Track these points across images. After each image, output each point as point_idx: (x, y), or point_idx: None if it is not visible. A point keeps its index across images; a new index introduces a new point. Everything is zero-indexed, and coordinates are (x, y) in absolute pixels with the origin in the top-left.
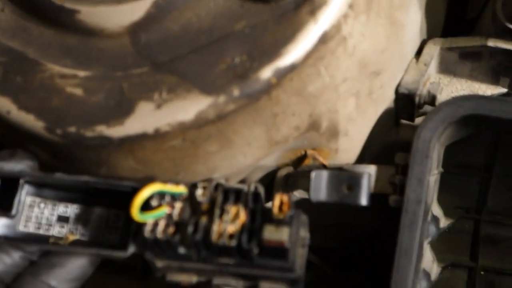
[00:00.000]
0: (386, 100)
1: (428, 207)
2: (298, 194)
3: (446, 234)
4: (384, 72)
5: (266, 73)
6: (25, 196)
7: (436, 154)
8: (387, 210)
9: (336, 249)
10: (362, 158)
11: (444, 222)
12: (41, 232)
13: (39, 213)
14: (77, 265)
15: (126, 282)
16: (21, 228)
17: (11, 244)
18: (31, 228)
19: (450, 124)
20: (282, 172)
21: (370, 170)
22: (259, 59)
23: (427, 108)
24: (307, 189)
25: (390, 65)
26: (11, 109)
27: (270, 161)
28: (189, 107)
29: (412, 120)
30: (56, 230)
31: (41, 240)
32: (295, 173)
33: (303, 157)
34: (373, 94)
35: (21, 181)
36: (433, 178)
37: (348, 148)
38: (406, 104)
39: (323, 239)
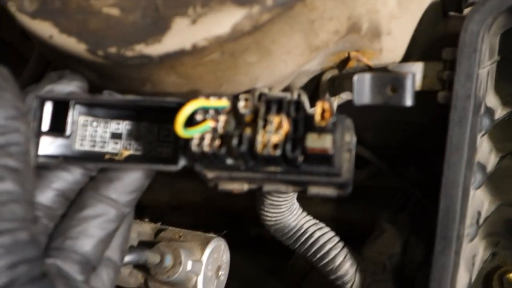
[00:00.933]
0: None
1: (480, 100)
2: (345, 96)
3: (505, 123)
4: None
5: None
6: (77, 116)
7: (486, 46)
8: (437, 107)
9: (391, 146)
10: (409, 55)
11: (501, 112)
12: (97, 149)
13: (93, 132)
14: (133, 178)
15: (191, 184)
16: (77, 147)
17: (71, 162)
18: (87, 146)
19: (499, 14)
20: (327, 76)
21: (416, 68)
22: None
23: None
24: None
25: None
26: (53, 33)
27: (314, 66)
28: (224, 20)
29: (461, 12)
30: (111, 147)
31: (98, 157)
32: (340, 76)
33: (347, 59)
34: None
35: (72, 102)
36: (485, 70)
37: (392, 46)
38: None
39: (377, 136)
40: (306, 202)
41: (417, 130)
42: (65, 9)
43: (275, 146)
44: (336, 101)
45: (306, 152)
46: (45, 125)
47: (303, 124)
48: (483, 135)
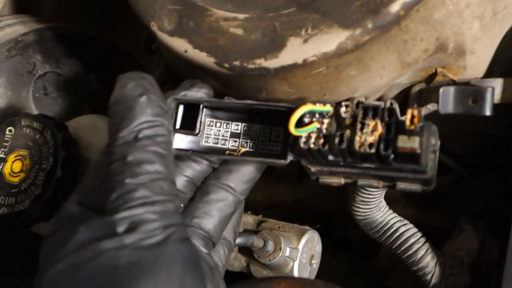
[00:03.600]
0: None
1: None
2: (431, 106)
3: None
4: None
5: (395, 6)
6: (204, 117)
7: None
8: None
9: (473, 155)
10: (492, 72)
11: None
12: (219, 145)
13: (217, 131)
14: (248, 170)
15: (283, 187)
16: (203, 143)
17: (199, 155)
18: (211, 143)
19: None
20: (416, 88)
21: (497, 83)
22: None
23: None
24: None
25: None
26: (187, 48)
27: (404, 80)
28: (331, 40)
29: None
30: (230, 144)
31: (220, 152)
32: (428, 89)
33: (434, 74)
34: (497, 15)
35: (201, 105)
36: None
37: (475, 64)
38: None
39: (460, 146)
40: (391, 207)
41: (498, 141)
42: (198, 28)
43: (370, 145)
44: (423, 111)
45: (396, 151)
46: (178, 124)
47: (395, 127)
48: None
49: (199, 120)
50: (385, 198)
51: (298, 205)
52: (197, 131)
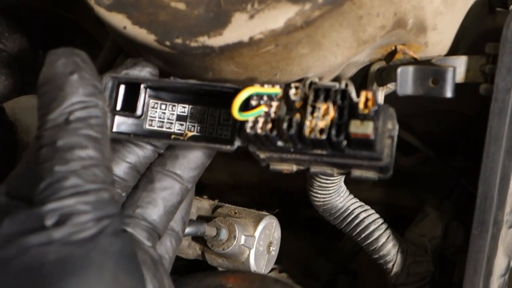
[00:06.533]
0: None
1: None
2: (392, 86)
3: None
4: None
5: None
6: (147, 99)
7: None
8: (480, 98)
9: (439, 134)
10: (456, 49)
11: None
12: (164, 129)
13: (161, 113)
14: (196, 156)
15: (247, 166)
16: (147, 126)
17: (142, 139)
18: (155, 126)
19: None
20: (375, 67)
21: (460, 62)
22: None
23: None
24: None
25: None
26: (126, 24)
27: (362, 58)
28: (278, 16)
29: (507, 8)
30: (177, 128)
31: (165, 136)
32: (388, 67)
33: (394, 52)
34: None
35: (143, 85)
36: None
37: (438, 41)
38: None
39: (426, 124)
40: (357, 187)
41: (464, 119)
42: (138, 3)
43: (321, 131)
44: (384, 91)
45: (349, 137)
46: (119, 105)
47: (347, 111)
48: None
49: (141, 101)
50: (349, 179)
51: (264, 185)
52: (139, 113)
